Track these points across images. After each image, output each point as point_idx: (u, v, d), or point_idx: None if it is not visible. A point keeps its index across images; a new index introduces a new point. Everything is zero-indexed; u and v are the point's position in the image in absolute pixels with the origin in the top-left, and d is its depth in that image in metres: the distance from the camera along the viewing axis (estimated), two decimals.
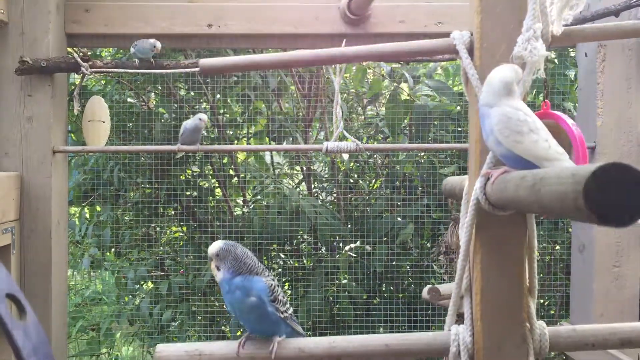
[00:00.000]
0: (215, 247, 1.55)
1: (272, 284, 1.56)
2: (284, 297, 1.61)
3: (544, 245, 3.63)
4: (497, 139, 1.08)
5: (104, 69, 2.75)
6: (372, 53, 1.39)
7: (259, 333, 1.52)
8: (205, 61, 1.41)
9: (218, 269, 1.53)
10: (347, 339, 1.29)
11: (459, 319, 1.28)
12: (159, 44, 2.66)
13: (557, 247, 3.66)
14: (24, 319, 0.63)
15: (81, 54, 2.68)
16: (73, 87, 3.01)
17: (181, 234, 4.16)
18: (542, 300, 3.66)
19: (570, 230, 3.16)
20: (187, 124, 2.82)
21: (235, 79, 3.77)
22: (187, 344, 1.31)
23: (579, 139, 1.12)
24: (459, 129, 3.66)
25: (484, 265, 1.21)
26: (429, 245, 3.74)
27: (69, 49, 2.85)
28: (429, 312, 3.52)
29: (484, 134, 1.11)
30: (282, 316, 1.55)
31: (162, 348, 1.29)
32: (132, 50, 2.69)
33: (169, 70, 2.79)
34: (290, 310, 1.63)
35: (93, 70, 2.70)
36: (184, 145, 2.83)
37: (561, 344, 1.27)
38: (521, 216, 1.18)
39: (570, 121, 1.16)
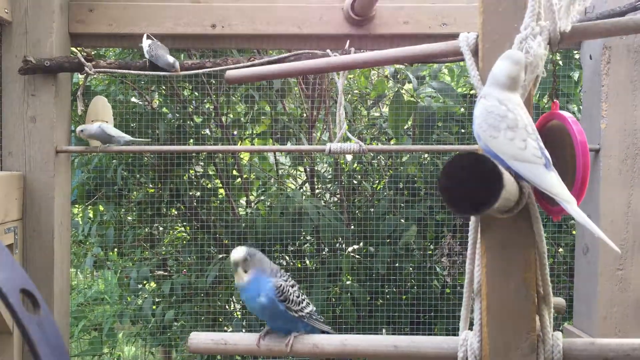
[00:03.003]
0: (242, 252, 1.64)
1: (282, 285, 1.65)
2: (299, 297, 1.70)
3: (548, 247, 3.61)
4: (477, 132, 1.07)
5: (108, 69, 2.75)
6: (383, 58, 1.40)
7: (277, 329, 1.63)
8: (231, 72, 1.45)
9: (245, 272, 1.63)
10: (358, 338, 1.32)
11: None
12: (177, 65, 2.65)
13: (561, 250, 3.65)
14: (37, 312, 0.65)
15: (85, 53, 2.68)
16: (76, 87, 3.02)
17: (184, 234, 4.16)
18: None
19: (574, 232, 3.15)
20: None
21: None
22: (215, 334, 1.41)
23: (580, 140, 1.10)
24: (463, 131, 3.65)
25: (490, 269, 1.18)
26: (432, 247, 3.73)
27: (73, 49, 2.85)
28: (432, 314, 3.51)
29: (473, 126, 1.11)
30: (296, 315, 1.64)
31: (194, 335, 1.40)
32: (147, 55, 2.65)
33: (173, 73, 2.79)
34: (309, 309, 1.71)
35: (97, 70, 2.70)
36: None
37: (576, 357, 1.22)
38: (526, 219, 1.14)
39: (571, 119, 1.13)
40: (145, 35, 2.70)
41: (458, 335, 1.27)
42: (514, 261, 1.17)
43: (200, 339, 1.39)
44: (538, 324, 1.20)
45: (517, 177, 1.04)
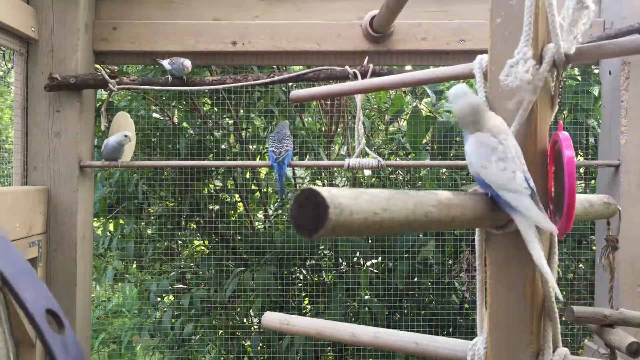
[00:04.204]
0: None
1: None
2: None
3: (567, 263, 3.59)
4: (469, 161, 1.13)
5: (131, 85, 2.80)
6: (409, 80, 1.48)
7: None
8: (295, 92, 1.67)
9: None
10: (387, 332, 1.43)
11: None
12: (187, 63, 2.71)
13: (581, 266, 3.62)
14: (62, 333, 0.66)
15: (109, 70, 2.74)
16: (100, 103, 3.08)
17: (203, 248, 4.19)
18: (564, 318, 3.61)
19: (594, 248, 3.13)
20: (110, 140, 2.77)
21: (259, 94, 3.81)
22: (282, 315, 1.58)
23: (567, 161, 1.10)
24: None
25: (492, 281, 1.22)
26: (450, 262, 3.72)
27: (97, 66, 2.91)
28: (450, 329, 3.49)
29: (465, 155, 1.16)
30: None
31: (267, 314, 1.59)
32: (167, 67, 2.74)
33: (194, 88, 2.84)
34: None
35: (120, 87, 2.75)
36: (106, 162, 2.77)
37: None
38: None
39: (563, 138, 1.13)
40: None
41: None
42: (515, 275, 1.19)
43: (270, 318, 1.58)
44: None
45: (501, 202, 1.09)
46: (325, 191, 0.76)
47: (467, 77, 1.34)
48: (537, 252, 1.06)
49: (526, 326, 1.18)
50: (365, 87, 1.62)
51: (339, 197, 0.77)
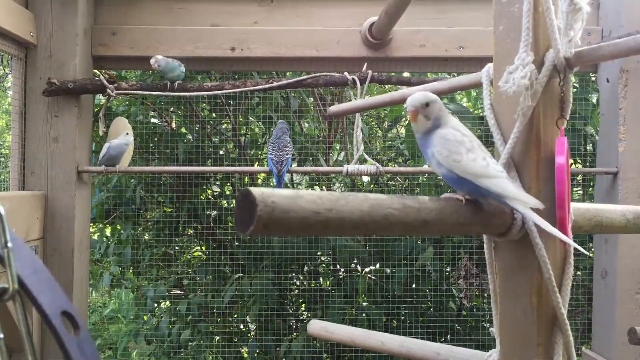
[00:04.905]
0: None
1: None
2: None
3: None
4: (437, 160, 1.11)
5: (129, 91, 2.80)
6: (432, 89, 1.48)
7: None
8: (332, 108, 1.73)
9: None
10: (412, 342, 1.48)
11: None
12: (153, 60, 2.71)
13: (579, 273, 3.61)
14: (77, 334, 0.67)
15: (107, 75, 2.73)
16: (98, 108, 3.07)
17: (200, 254, 4.18)
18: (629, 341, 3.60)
19: (592, 255, 3.13)
20: (113, 142, 2.74)
21: (258, 100, 3.81)
22: (325, 323, 1.68)
23: (556, 167, 1.10)
24: None
25: (501, 291, 1.21)
26: (448, 269, 3.71)
27: (95, 71, 2.91)
28: (448, 337, 3.48)
29: (426, 157, 1.14)
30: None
31: (312, 321, 1.71)
32: (155, 66, 2.71)
33: (193, 93, 2.84)
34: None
35: (118, 92, 2.75)
36: (104, 167, 2.74)
37: None
38: (529, 243, 1.14)
39: (558, 142, 1.13)
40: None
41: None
42: (521, 285, 1.18)
43: (314, 325, 1.70)
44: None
45: (482, 196, 1.07)
46: (257, 191, 0.78)
47: (477, 86, 1.34)
48: (544, 223, 1.02)
49: (533, 337, 1.16)
50: (398, 98, 1.63)
51: (273, 197, 0.79)
